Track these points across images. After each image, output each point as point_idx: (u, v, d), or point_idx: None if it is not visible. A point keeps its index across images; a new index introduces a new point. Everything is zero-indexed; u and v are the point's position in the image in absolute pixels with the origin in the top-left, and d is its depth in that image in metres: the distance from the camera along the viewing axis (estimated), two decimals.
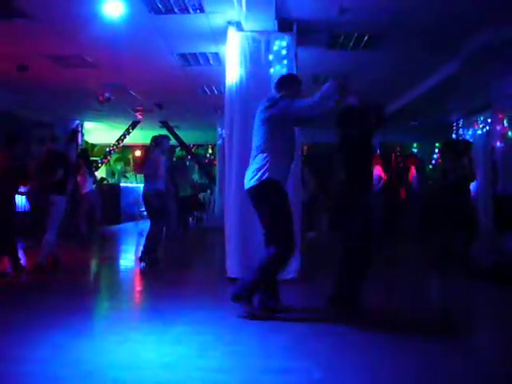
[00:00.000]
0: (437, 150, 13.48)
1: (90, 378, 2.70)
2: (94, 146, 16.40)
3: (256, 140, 3.98)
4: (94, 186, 8.86)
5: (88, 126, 14.50)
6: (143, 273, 6.24)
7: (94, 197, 8.65)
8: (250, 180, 3.90)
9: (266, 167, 3.81)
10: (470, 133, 11.34)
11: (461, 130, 12.01)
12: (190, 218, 13.45)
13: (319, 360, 2.97)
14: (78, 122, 13.81)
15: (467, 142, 7.28)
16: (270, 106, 3.95)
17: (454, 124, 12.29)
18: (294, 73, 5.44)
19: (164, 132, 13.75)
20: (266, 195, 3.83)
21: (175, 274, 6.19)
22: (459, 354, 3.16)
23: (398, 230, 9.96)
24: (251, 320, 3.74)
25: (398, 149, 15.46)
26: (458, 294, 5.08)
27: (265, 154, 3.85)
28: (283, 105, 3.90)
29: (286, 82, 4.16)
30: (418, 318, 4.04)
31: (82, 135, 14.30)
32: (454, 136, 12.08)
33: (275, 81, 4.26)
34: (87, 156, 9.41)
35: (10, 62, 7.42)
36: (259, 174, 3.82)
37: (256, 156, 3.92)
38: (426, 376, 2.80)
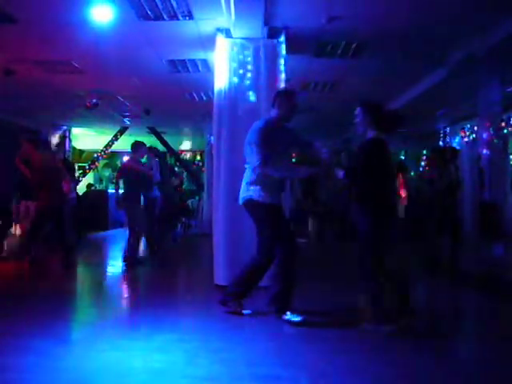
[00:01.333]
0: (424, 158, 13.59)
1: None
2: (81, 151, 16.29)
3: None
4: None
5: (76, 131, 14.42)
6: (129, 279, 6.19)
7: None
8: None
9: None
10: (456, 140, 11.48)
11: (448, 137, 12.15)
12: (179, 225, 13.39)
13: (306, 368, 2.96)
14: (65, 127, 13.72)
15: (454, 149, 7.36)
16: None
17: (441, 131, 12.44)
18: (282, 80, 5.49)
19: (151, 138, 13.77)
20: None
21: (162, 281, 6.14)
22: (443, 357, 3.17)
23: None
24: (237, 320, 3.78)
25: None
26: (442, 301, 5.11)
27: None
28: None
29: (278, 98, 4.12)
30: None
31: (70, 141, 14.21)
32: (441, 143, 12.22)
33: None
34: (68, 161, 9.35)
35: None
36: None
37: None
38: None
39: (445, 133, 12.35)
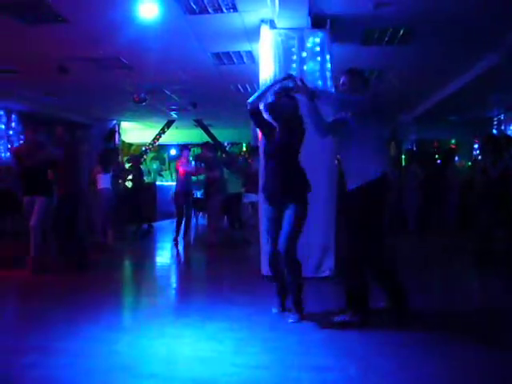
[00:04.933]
0: (476, 146, 13.11)
1: (125, 371, 2.75)
2: (130, 145, 16.72)
3: None
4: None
5: (125, 125, 14.80)
6: (179, 268, 6.33)
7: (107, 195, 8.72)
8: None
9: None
10: (511, 128, 10.98)
11: (502, 125, 11.65)
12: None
13: (356, 358, 2.94)
14: (115, 121, 14.11)
15: (509, 137, 7.06)
16: None
17: (495, 119, 11.94)
18: (328, 69, 5.42)
19: (199, 131, 13.94)
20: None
21: (211, 271, 6.25)
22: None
23: (435, 226, 9.74)
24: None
25: (436, 144, 15.10)
26: (499, 296, 4.92)
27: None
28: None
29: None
30: (457, 320, 3.93)
31: (119, 135, 14.61)
32: (494, 131, 11.73)
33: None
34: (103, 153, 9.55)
35: (51, 64, 7.65)
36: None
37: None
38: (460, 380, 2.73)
39: (499, 120, 11.85)
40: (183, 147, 8.92)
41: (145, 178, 11.20)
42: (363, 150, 3.56)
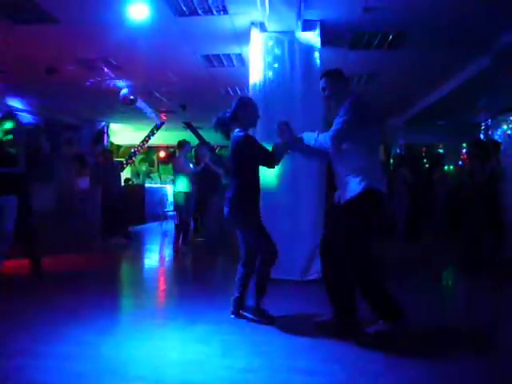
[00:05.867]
0: (464, 151, 13.24)
1: (112, 374, 2.72)
2: (119, 146, 16.63)
3: None
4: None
5: (114, 127, 14.72)
6: (168, 271, 6.29)
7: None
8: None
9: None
10: (498, 133, 11.11)
11: (489, 130, 11.76)
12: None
13: (345, 362, 2.94)
14: (103, 123, 14.03)
15: (496, 142, 7.13)
16: None
17: (483, 124, 12.06)
18: (317, 73, 5.44)
19: (188, 133, 13.92)
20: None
21: (200, 274, 6.22)
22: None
23: (423, 230, 9.82)
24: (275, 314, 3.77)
25: (424, 149, 15.23)
26: (486, 299, 4.96)
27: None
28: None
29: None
30: (445, 325, 3.96)
31: (108, 136, 14.52)
32: (482, 136, 11.85)
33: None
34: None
35: (38, 65, 7.59)
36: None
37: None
38: None
39: (486, 126, 11.97)
40: (184, 142, 7.86)
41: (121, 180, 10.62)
42: (348, 163, 3.38)
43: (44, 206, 7.88)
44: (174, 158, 8.56)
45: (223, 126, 3.90)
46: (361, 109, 3.38)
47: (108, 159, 9.02)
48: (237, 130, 3.82)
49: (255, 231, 3.73)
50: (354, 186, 3.34)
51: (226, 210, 3.80)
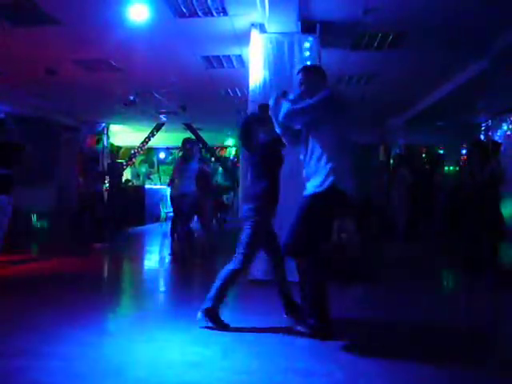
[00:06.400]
0: (464, 152, 13.24)
1: (113, 376, 2.73)
2: (119, 148, 16.65)
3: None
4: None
5: (114, 128, 14.74)
6: (166, 272, 6.30)
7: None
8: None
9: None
10: (499, 134, 11.10)
11: (489, 131, 11.76)
12: (214, 220, 13.50)
13: (342, 363, 2.94)
14: (103, 124, 14.04)
15: (496, 142, 7.13)
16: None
17: (483, 124, 12.05)
18: None
19: (188, 134, 13.92)
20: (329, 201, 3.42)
21: (197, 275, 6.22)
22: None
23: (423, 230, 9.82)
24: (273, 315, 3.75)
25: (424, 150, 15.24)
26: (486, 299, 4.96)
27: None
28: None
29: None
30: (444, 326, 3.96)
31: (108, 137, 14.54)
32: (482, 137, 11.85)
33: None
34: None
35: (38, 66, 7.60)
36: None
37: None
38: None
39: (486, 126, 11.96)
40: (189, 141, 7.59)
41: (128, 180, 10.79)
42: (315, 158, 3.38)
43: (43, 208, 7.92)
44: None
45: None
46: (331, 103, 3.36)
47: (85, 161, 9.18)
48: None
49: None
50: (316, 181, 3.35)
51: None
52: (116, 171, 10.15)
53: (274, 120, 3.58)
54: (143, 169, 18.17)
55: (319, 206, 3.34)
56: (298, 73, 3.61)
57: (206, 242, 7.91)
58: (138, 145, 14.96)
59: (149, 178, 17.92)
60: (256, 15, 5.49)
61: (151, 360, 2.97)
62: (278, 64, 5.49)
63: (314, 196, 3.36)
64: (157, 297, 5.16)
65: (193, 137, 13.70)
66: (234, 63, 7.54)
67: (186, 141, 7.45)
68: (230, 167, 16.71)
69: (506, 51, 6.36)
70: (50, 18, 5.71)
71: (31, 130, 8.99)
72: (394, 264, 6.84)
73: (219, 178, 17.63)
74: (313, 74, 3.57)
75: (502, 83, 7.77)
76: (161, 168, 17.39)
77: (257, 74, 5.52)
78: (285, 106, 3.45)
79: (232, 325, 3.66)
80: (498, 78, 7.40)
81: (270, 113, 3.59)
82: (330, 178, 3.31)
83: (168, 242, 8.23)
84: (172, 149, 16.87)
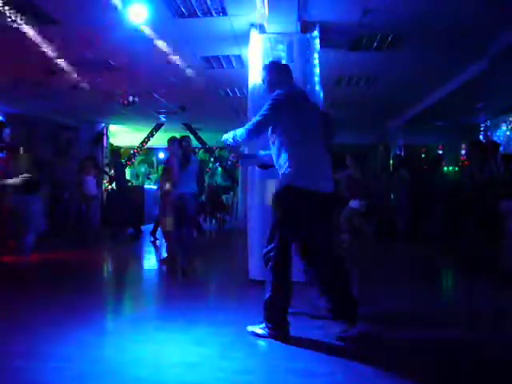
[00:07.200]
0: (463, 152, 13.25)
1: (113, 376, 2.73)
2: (118, 148, 16.64)
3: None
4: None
5: (113, 128, 14.74)
6: (165, 273, 6.31)
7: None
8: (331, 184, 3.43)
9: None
10: (498, 134, 11.12)
11: (489, 131, 11.78)
12: (214, 220, 13.52)
13: (343, 364, 2.94)
14: (103, 124, 14.04)
15: (495, 143, 7.14)
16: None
17: (482, 125, 12.07)
18: (316, 74, 5.44)
19: (188, 134, 13.90)
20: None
21: (198, 276, 6.22)
22: None
23: (423, 230, 9.82)
24: None
25: (423, 150, 15.24)
26: (486, 299, 4.96)
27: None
28: None
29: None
30: (444, 326, 3.97)
31: (107, 138, 14.54)
32: (481, 137, 11.87)
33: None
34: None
35: (37, 67, 7.59)
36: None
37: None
38: None
39: (486, 126, 11.99)
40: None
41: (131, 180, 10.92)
42: (277, 156, 3.36)
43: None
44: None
45: None
46: (285, 102, 3.30)
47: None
48: None
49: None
50: (281, 179, 3.34)
51: None
52: (123, 170, 10.24)
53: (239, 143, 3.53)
54: (142, 169, 18.18)
55: (278, 206, 3.32)
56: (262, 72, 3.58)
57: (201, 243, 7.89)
58: (137, 145, 14.95)
59: (148, 179, 17.93)
60: (255, 15, 5.49)
61: (151, 360, 2.97)
62: None
63: (275, 195, 3.36)
64: (157, 297, 5.16)
65: (191, 136, 13.72)
66: (234, 63, 7.54)
67: (180, 140, 6.98)
68: (229, 167, 16.71)
69: (505, 52, 6.37)
70: (49, 17, 5.71)
71: (31, 130, 8.99)
72: (394, 264, 6.84)
73: (219, 178, 17.66)
74: (271, 70, 3.50)
75: (501, 84, 7.79)
76: (160, 168, 17.40)
77: (256, 75, 5.52)
78: (239, 131, 3.42)
79: (231, 325, 3.67)
80: (497, 78, 7.42)
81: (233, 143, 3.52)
82: (289, 176, 3.25)
83: (163, 243, 8.19)
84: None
